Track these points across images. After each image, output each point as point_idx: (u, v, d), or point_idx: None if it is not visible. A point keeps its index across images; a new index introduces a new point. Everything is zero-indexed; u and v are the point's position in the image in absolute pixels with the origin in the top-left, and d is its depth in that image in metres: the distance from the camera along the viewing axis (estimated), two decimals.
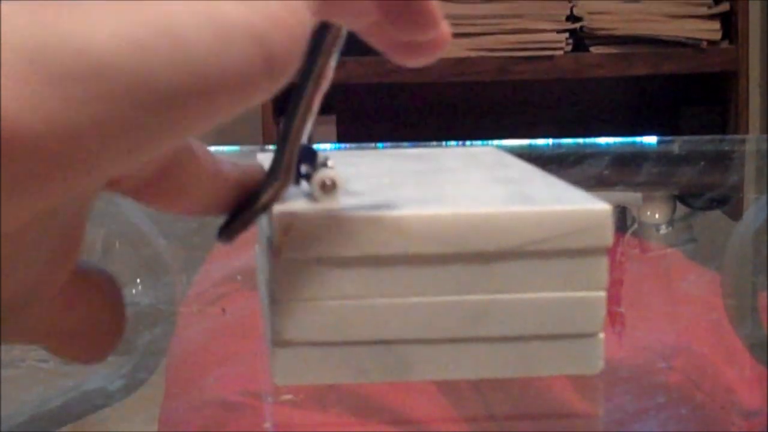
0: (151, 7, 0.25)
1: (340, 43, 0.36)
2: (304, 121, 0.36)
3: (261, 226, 0.44)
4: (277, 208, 0.38)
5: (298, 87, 0.35)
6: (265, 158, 0.39)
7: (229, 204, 0.35)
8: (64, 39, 0.23)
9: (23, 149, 0.22)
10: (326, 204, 0.38)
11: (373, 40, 0.36)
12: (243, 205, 0.35)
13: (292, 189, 0.38)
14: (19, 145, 0.22)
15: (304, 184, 0.39)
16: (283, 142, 0.36)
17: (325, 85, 0.36)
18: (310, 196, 0.39)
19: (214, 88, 0.25)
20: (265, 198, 0.35)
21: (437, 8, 0.34)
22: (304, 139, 0.37)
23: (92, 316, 0.31)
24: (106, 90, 0.23)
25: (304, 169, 0.38)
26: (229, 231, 0.35)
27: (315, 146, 0.39)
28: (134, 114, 0.24)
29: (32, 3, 0.23)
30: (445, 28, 0.35)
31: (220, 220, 0.36)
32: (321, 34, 0.35)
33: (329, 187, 0.38)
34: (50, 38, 0.23)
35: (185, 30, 0.25)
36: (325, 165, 0.38)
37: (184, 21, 0.25)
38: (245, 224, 0.35)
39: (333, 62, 0.36)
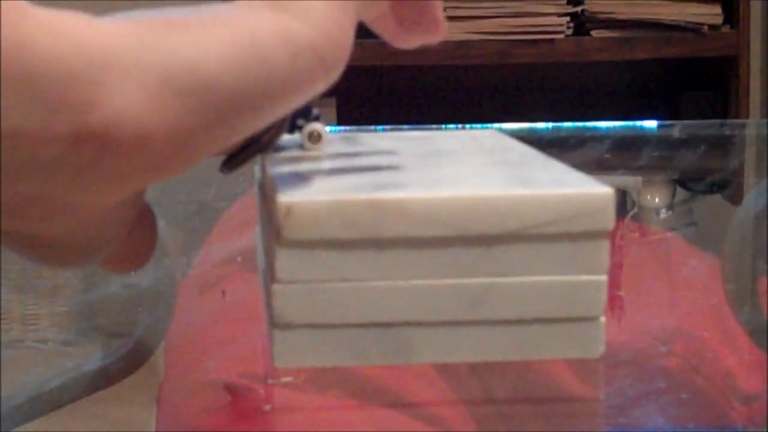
0: (239, 28, 0.31)
1: None
2: None
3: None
4: (279, 191, 0.38)
5: None
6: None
7: (236, 145, 0.40)
8: (181, 60, 0.29)
9: (150, 146, 0.29)
10: (313, 152, 0.45)
11: (376, 29, 0.41)
12: (245, 146, 0.41)
13: (288, 139, 0.45)
14: (148, 143, 0.29)
15: (298, 135, 0.46)
16: None
17: None
18: (300, 147, 0.45)
19: (287, 94, 0.32)
20: (264, 139, 0.41)
21: (441, 11, 0.40)
22: None
23: (138, 236, 0.36)
24: (211, 101, 0.30)
25: (300, 122, 0.45)
26: (230, 165, 0.40)
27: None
28: (229, 118, 0.31)
29: (151, 24, 0.30)
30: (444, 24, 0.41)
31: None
32: None
33: (315, 138, 0.46)
34: (171, 59, 0.29)
35: (266, 49, 0.31)
36: (316, 119, 0.45)
37: (266, 41, 0.31)
38: (244, 160, 0.41)
39: None
